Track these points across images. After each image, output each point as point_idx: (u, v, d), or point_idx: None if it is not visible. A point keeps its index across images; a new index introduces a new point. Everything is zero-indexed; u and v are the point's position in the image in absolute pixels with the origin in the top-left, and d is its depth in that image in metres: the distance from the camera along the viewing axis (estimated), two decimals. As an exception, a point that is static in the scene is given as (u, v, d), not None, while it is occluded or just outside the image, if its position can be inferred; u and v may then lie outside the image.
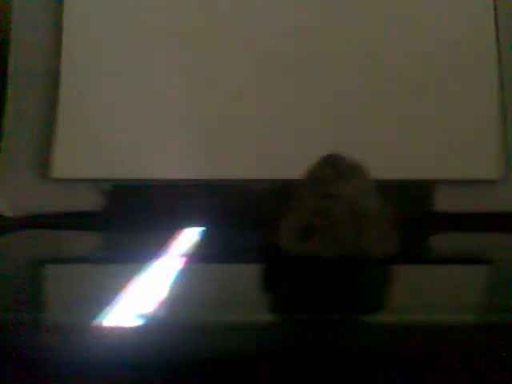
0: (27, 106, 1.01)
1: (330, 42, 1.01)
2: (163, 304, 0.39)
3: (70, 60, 1.01)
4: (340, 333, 0.33)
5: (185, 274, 0.50)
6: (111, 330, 0.33)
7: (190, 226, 0.91)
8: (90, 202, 1.00)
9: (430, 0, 1.02)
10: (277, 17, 1.01)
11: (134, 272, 0.48)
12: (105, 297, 0.39)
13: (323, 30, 1.01)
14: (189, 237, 0.75)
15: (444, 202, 0.98)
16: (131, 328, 0.33)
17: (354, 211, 0.54)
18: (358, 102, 0.99)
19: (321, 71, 1.00)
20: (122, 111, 1.00)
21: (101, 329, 0.33)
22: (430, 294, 0.45)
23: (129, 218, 0.98)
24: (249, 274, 0.55)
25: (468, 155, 1.00)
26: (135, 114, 1.00)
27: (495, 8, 1.01)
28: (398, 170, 0.97)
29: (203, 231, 0.81)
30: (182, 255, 0.61)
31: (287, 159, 0.94)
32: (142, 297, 0.39)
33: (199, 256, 0.62)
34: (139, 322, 0.34)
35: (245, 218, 0.90)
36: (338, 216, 0.54)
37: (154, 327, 0.34)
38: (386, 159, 0.94)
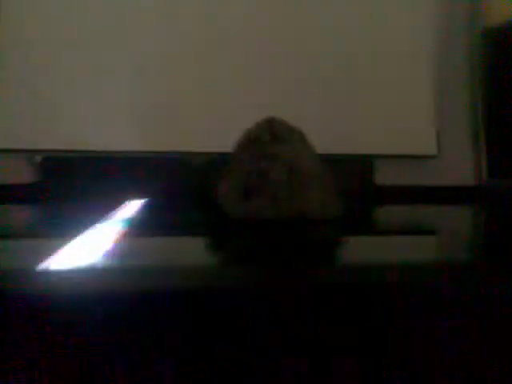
0: None
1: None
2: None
3: (7, 9, 0.94)
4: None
5: (124, 244, 0.47)
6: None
7: (129, 199, 0.88)
8: (22, 174, 0.95)
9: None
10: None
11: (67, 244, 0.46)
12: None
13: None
14: (128, 209, 0.72)
15: (384, 177, 1.00)
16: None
17: (294, 171, 0.53)
18: (304, 78, 1.00)
19: (274, 44, 0.99)
20: (63, 77, 0.95)
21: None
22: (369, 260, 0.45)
23: (63, 191, 0.94)
24: (190, 242, 0.53)
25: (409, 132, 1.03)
26: (77, 82, 0.95)
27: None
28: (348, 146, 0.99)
29: (143, 203, 0.78)
30: (121, 226, 0.58)
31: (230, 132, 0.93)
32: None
33: (139, 225, 0.59)
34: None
35: (185, 190, 0.89)
36: (277, 176, 0.53)
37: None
38: (331, 134, 0.95)
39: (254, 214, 0.53)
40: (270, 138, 0.55)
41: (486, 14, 1.09)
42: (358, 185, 0.99)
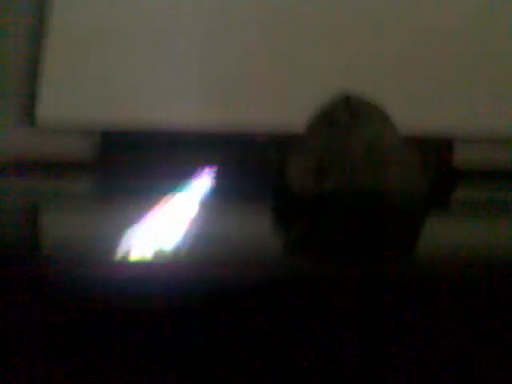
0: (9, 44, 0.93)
1: None
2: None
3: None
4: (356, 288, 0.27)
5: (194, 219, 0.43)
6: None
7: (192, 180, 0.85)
8: (81, 152, 0.93)
9: None
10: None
11: (139, 213, 0.42)
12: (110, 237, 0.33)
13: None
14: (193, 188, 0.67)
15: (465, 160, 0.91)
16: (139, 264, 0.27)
17: (374, 150, 0.47)
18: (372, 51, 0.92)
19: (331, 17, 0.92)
20: (118, 53, 0.92)
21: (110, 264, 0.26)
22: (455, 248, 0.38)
23: (123, 169, 0.91)
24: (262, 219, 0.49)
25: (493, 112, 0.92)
26: (135, 59, 0.92)
27: None
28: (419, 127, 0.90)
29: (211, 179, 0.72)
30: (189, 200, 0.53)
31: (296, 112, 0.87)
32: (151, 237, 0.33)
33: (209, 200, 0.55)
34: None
35: (253, 169, 0.83)
36: (355, 154, 0.47)
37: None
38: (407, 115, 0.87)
39: (327, 196, 0.47)
40: (347, 115, 0.49)
41: None
42: (435, 169, 0.90)
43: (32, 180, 0.86)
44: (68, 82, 0.91)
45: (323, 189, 0.47)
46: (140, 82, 0.92)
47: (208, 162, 0.90)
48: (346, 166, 0.47)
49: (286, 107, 0.88)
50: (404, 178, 0.48)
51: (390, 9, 0.92)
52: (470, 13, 0.92)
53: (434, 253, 0.37)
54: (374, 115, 0.50)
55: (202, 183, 0.63)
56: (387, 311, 0.26)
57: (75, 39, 0.91)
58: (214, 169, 0.74)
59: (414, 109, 0.91)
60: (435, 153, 0.89)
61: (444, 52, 0.92)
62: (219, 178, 0.71)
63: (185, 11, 0.92)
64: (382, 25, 0.92)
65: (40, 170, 0.89)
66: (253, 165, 0.82)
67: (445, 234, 0.46)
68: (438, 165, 0.90)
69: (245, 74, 0.92)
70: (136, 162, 0.90)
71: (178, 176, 0.85)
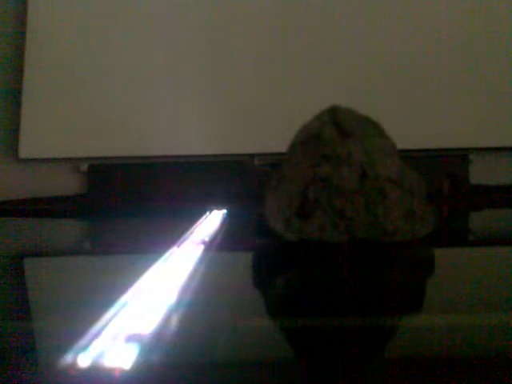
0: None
1: None
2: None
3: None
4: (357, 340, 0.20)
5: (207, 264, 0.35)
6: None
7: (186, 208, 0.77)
8: (67, 185, 0.87)
9: None
10: None
11: (135, 265, 0.34)
12: (103, 299, 0.26)
13: None
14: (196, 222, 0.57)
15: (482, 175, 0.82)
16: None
17: (369, 177, 0.39)
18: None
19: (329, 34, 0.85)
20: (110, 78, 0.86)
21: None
22: (476, 286, 0.30)
23: (113, 200, 0.85)
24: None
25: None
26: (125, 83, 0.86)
27: None
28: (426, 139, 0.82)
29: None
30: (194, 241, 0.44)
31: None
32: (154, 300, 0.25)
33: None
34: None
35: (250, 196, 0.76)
36: (346, 184, 0.39)
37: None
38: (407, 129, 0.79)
39: (314, 238, 0.39)
40: (335, 133, 0.41)
41: None
42: (449, 185, 0.82)
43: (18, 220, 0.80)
44: (52, 114, 0.86)
45: (306, 229, 0.39)
46: (128, 111, 0.86)
47: (201, 188, 0.83)
48: (334, 203, 0.38)
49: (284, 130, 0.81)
50: (406, 213, 0.39)
51: (402, 19, 0.86)
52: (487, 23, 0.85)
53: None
54: (366, 130, 0.43)
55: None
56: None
57: (59, 70, 0.86)
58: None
59: (428, 120, 0.83)
60: (449, 168, 0.80)
61: (458, 60, 0.84)
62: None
63: (175, 38, 0.87)
64: (389, 33, 0.85)
65: (27, 206, 0.83)
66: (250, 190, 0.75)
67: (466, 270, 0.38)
68: (453, 181, 0.81)
69: (240, 99, 0.86)
70: (123, 194, 0.84)
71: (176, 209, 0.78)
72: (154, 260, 0.33)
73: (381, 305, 0.27)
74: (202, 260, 0.36)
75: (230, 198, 0.78)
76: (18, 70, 0.87)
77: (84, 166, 0.86)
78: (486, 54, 0.84)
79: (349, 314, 0.26)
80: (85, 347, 0.19)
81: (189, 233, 0.44)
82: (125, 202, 0.84)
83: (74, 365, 0.18)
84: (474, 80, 0.85)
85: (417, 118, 0.83)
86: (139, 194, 0.84)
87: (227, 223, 0.55)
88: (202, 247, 0.40)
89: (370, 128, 0.43)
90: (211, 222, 0.54)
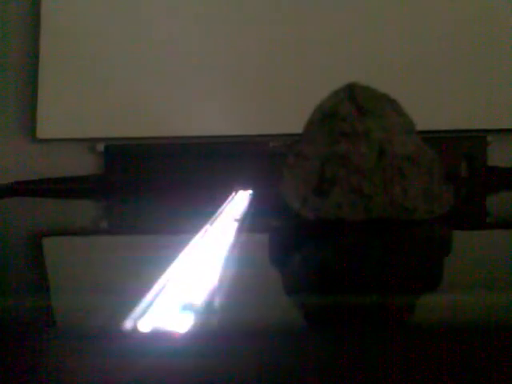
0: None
1: None
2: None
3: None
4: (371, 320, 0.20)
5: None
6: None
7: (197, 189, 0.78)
8: (84, 165, 0.88)
9: None
10: None
11: (173, 242, 0.36)
12: (150, 273, 0.26)
13: None
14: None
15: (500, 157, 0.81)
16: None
17: (387, 155, 0.38)
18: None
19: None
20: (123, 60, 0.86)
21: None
22: (492, 267, 0.30)
23: (129, 181, 0.85)
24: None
25: None
26: (138, 64, 0.86)
27: None
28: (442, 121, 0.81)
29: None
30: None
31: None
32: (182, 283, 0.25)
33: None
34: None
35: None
36: (364, 162, 0.38)
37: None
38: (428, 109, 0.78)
39: (331, 216, 0.39)
40: (353, 110, 0.41)
41: None
42: (466, 167, 0.81)
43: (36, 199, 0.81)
44: (69, 95, 0.87)
45: (324, 213, 0.38)
46: (145, 92, 0.86)
47: (216, 171, 0.83)
48: (352, 181, 0.38)
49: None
50: (424, 191, 0.39)
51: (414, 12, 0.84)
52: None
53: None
54: (384, 107, 0.42)
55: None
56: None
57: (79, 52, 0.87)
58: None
59: (446, 101, 0.82)
60: (466, 149, 0.79)
61: (478, 41, 0.83)
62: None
63: (188, 26, 0.86)
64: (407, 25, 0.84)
65: (44, 186, 0.84)
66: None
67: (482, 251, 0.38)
68: (471, 162, 0.80)
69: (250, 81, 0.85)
70: (140, 175, 0.84)
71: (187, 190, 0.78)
72: (190, 237, 0.33)
73: (399, 283, 0.27)
74: (237, 237, 0.37)
75: (239, 180, 0.78)
76: (35, 52, 0.88)
77: (100, 147, 0.87)
78: (506, 35, 0.83)
79: (367, 291, 0.26)
80: (142, 314, 0.20)
81: (218, 212, 0.45)
82: (140, 183, 0.85)
83: (134, 329, 0.19)
84: (493, 61, 0.83)
85: (435, 98, 0.82)
86: (155, 174, 0.85)
87: (254, 203, 0.55)
88: (235, 225, 0.41)
89: (388, 105, 0.42)
90: (238, 202, 0.55)
